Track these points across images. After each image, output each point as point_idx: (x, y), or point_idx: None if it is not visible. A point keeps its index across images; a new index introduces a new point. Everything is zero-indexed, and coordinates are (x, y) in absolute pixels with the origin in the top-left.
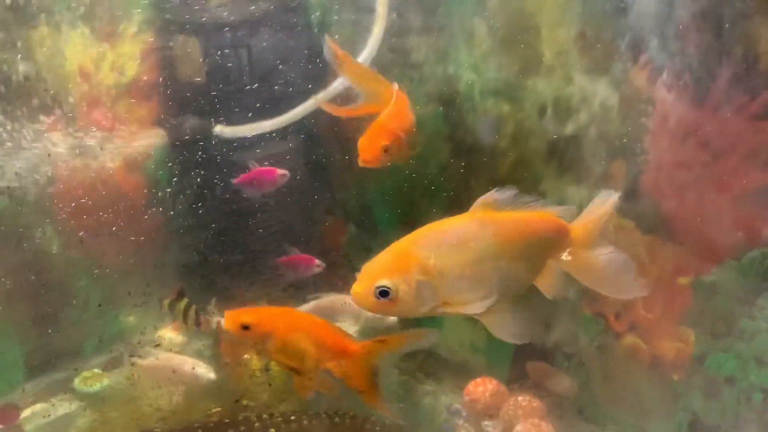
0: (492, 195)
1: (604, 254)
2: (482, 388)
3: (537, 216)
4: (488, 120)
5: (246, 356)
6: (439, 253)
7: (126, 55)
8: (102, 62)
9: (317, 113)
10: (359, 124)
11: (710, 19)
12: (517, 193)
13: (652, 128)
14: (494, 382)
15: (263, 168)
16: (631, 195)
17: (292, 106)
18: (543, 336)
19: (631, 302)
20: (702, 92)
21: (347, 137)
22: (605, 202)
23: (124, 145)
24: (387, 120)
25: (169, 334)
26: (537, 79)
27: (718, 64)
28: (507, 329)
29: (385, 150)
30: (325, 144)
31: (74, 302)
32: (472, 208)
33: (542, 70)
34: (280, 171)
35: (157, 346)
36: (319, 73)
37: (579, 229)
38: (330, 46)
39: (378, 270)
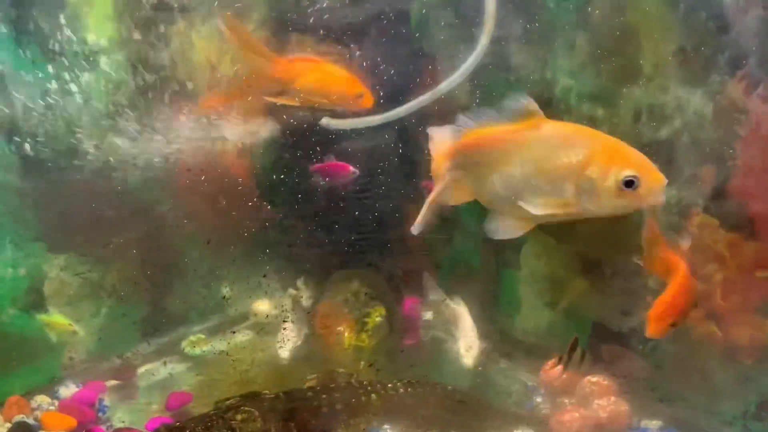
0: None
1: None
2: (559, 367)
3: None
4: None
5: (339, 328)
6: None
7: None
8: (224, 56)
9: (421, 111)
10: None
11: None
12: None
13: (744, 136)
14: None
15: (339, 162)
16: (718, 196)
17: (399, 103)
18: (620, 322)
19: (710, 292)
20: None
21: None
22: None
23: (238, 131)
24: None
25: (262, 307)
26: (634, 87)
27: None
28: None
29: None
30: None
31: (184, 273)
32: None
33: (640, 79)
34: (352, 168)
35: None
36: (424, 74)
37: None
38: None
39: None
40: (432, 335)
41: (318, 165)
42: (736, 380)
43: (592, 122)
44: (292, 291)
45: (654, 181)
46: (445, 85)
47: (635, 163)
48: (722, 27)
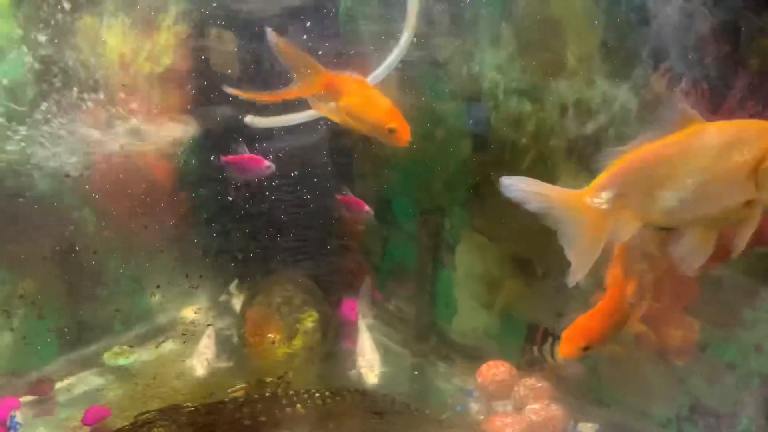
0: None
1: None
2: (494, 370)
3: None
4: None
5: (270, 336)
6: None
7: (162, 45)
8: (139, 52)
9: None
10: None
11: (728, 32)
12: None
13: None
14: (506, 364)
15: (253, 155)
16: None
17: None
18: (554, 323)
19: (642, 292)
20: (718, 100)
21: None
22: None
23: (157, 132)
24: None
25: (191, 314)
26: (560, 81)
27: (734, 75)
28: None
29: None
30: (347, 136)
31: (106, 282)
32: None
33: (565, 73)
34: (267, 163)
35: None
36: (348, 67)
37: None
38: (270, 34)
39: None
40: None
41: (230, 157)
42: (669, 382)
43: (519, 117)
44: (224, 296)
45: None
46: (370, 79)
47: None
48: (643, 19)
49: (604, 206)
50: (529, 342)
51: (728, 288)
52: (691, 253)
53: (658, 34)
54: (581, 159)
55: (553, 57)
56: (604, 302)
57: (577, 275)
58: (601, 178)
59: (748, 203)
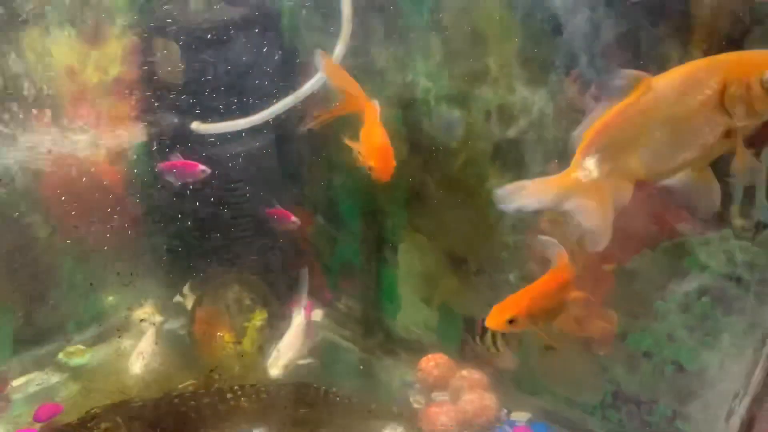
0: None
1: None
2: (433, 362)
3: None
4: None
5: (219, 333)
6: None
7: (109, 55)
8: (87, 62)
9: (288, 113)
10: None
11: (631, 41)
12: None
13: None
14: (444, 357)
15: (187, 161)
16: None
17: (265, 106)
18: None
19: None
20: None
21: (317, 135)
22: None
23: (106, 139)
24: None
25: (144, 314)
26: (484, 88)
27: None
28: None
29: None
30: (295, 141)
31: (59, 284)
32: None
33: (488, 80)
34: (202, 167)
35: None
36: (288, 76)
37: None
38: (320, 54)
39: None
40: (323, 336)
41: (165, 163)
42: (593, 371)
43: (449, 122)
44: (178, 298)
45: None
46: (306, 88)
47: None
48: (556, 29)
49: (594, 174)
50: (469, 334)
51: (641, 281)
52: (704, 196)
53: (569, 42)
54: (505, 161)
55: (476, 65)
56: (539, 282)
57: (602, 242)
58: (578, 151)
59: (727, 134)
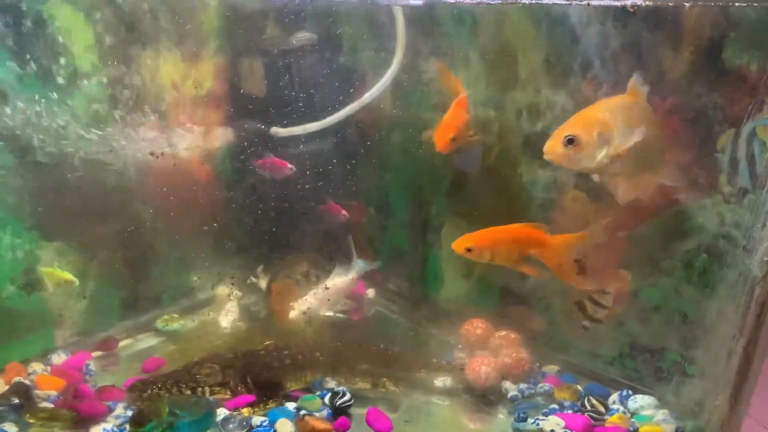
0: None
1: None
2: (473, 325)
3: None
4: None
5: (292, 304)
6: (612, 115)
7: (204, 72)
8: (187, 78)
9: (349, 117)
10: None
11: (633, 46)
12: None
13: None
14: (483, 321)
15: (278, 159)
16: (583, 175)
17: (332, 112)
18: (520, 284)
19: (584, 253)
20: None
21: (371, 138)
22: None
23: (201, 142)
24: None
25: (223, 290)
26: (515, 92)
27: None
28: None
29: (452, 140)
30: (353, 142)
31: (158, 263)
32: (628, 91)
33: (518, 85)
34: (290, 165)
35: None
36: (348, 89)
37: None
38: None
39: (566, 127)
40: (376, 310)
41: (261, 161)
42: (611, 327)
43: (486, 122)
44: (252, 279)
45: None
46: (367, 96)
47: None
48: (574, 39)
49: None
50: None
51: (650, 244)
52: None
53: (584, 50)
54: (534, 151)
55: (508, 73)
56: (504, 228)
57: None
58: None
59: None
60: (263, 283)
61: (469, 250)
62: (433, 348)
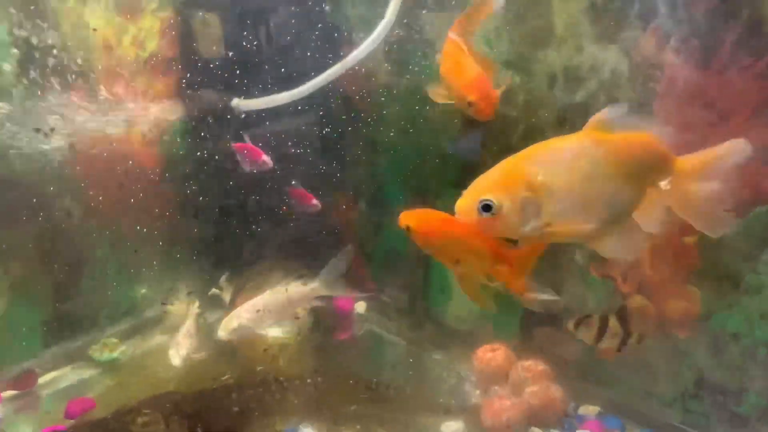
0: (605, 113)
1: (704, 188)
2: (491, 354)
3: (647, 139)
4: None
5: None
6: (549, 171)
7: (146, 30)
8: (123, 36)
9: (331, 85)
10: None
11: None
12: (629, 110)
13: (661, 92)
14: (503, 347)
15: (254, 147)
16: None
17: (307, 79)
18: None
19: (638, 263)
20: (709, 55)
21: (360, 114)
22: (732, 146)
23: (142, 117)
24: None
25: (177, 308)
26: (548, 50)
27: (724, 28)
28: (617, 248)
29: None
30: (337, 118)
31: (91, 273)
32: (585, 127)
33: (553, 41)
34: (265, 158)
35: None
36: (332, 48)
37: (685, 161)
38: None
39: (483, 185)
40: (367, 329)
41: (239, 144)
42: (672, 357)
43: (508, 90)
44: (215, 290)
45: None
46: (351, 58)
47: None
48: None
49: None
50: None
51: (729, 254)
52: None
53: None
54: (573, 129)
55: (540, 25)
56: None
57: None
58: None
59: None
60: (227, 296)
61: (408, 229)
62: (439, 381)
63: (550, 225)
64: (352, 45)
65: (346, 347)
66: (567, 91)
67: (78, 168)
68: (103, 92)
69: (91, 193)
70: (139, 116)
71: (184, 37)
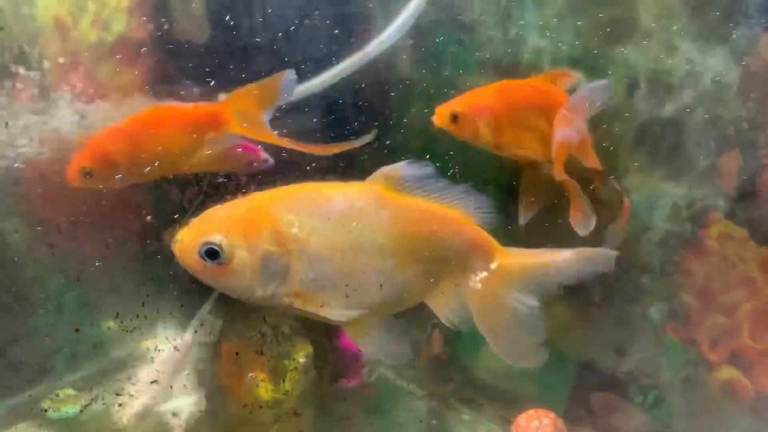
0: (399, 167)
1: (520, 302)
2: (536, 422)
3: (454, 217)
4: None
5: (251, 375)
6: (308, 223)
7: (111, 7)
8: (82, 14)
9: (345, 80)
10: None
11: None
12: (435, 172)
13: None
14: (550, 415)
15: (248, 144)
16: (746, 196)
17: (317, 73)
18: (614, 363)
19: (735, 328)
20: None
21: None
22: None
23: (106, 115)
24: None
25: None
26: (628, 47)
27: None
28: (377, 347)
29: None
30: (351, 118)
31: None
32: (370, 178)
33: (636, 36)
34: (264, 155)
35: None
36: (346, 32)
37: (510, 257)
38: None
39: (215, 221)
40: (379, 374)
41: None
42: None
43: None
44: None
45: None
46: (373, 47)
47: None
48: None
49: None
50: None
51: None
52: None
53: None
54: (656, 150)
55: (619, 15)
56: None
57: None
58: None
59: None
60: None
61: (455, 118)
62: None
63: (299, 296)
64: (371, 29)
65: (353, 397)
66: (651, 101)
67: (25, 180)
68: (57, 86)
69: (41, 210)
70: (103, 115)
71: (159, 15)
